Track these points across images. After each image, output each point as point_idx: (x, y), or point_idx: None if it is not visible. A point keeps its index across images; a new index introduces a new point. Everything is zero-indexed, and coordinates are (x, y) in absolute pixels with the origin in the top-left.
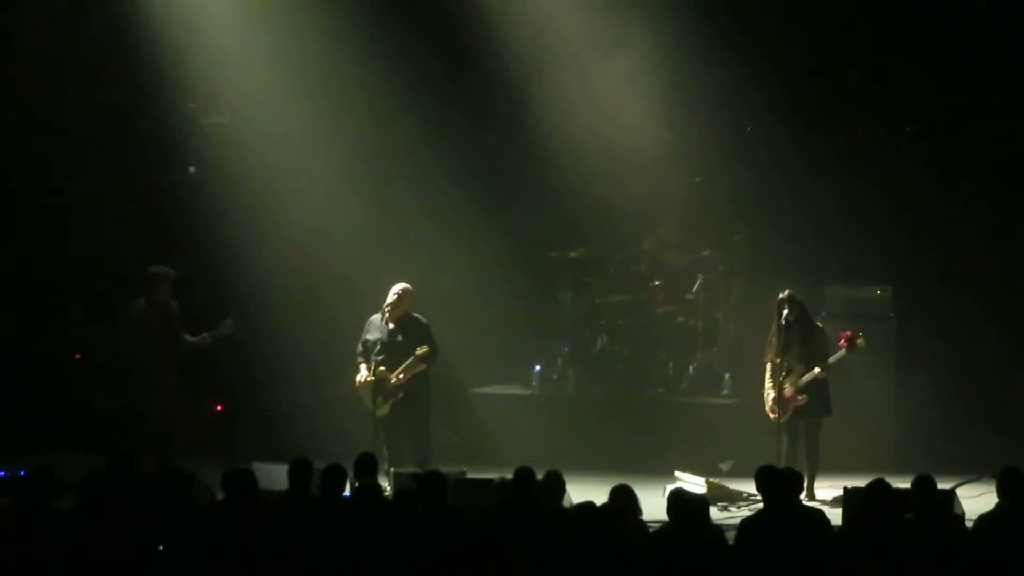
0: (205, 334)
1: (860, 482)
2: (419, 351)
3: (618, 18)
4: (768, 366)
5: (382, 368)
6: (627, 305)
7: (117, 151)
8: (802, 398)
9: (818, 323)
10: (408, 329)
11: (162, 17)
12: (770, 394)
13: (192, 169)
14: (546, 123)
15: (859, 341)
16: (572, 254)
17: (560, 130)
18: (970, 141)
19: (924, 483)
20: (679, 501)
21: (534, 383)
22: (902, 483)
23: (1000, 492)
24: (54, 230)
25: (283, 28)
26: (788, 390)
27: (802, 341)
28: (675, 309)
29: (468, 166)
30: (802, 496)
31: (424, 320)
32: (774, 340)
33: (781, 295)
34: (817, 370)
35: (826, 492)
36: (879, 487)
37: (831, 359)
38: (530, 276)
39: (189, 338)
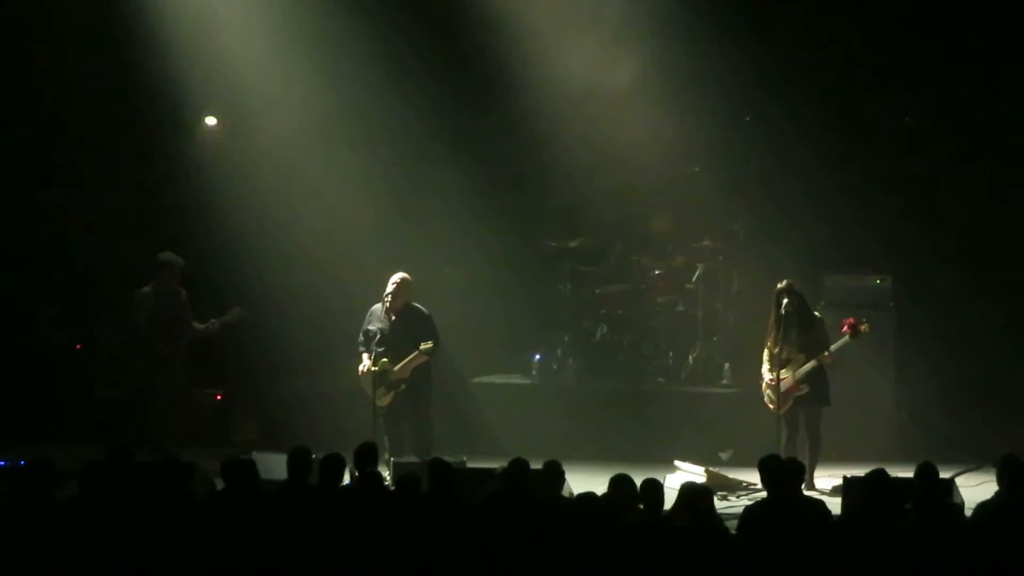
0: (213, 320)
1: (860, 471)
2: (423, 346)
3: (619, 7)
4: (765, 354)
5: (385, 360)
6: (627, 295)
7: (123, 142)
8: (803, 388)
9: (816, 312)
10: (409, 320)
11: (172, 13)
12: (768, 384)
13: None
14: (546, 112)
15: (863, 327)
16: (572, 244)
17: (560, 120)
18: (972, 129)
19: (926, 471)
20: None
21: (534, 373)
22: (902, 472)
23: (1000, 480)
24: (57, 220)
25: (288, 23)
26: (788, 380)
27: (801, 331)
28: (675, 299)
29: (468, 155)
30: (801, 486)
31: (425, 311)
32: (773, 330)
33: (780, 285)
34: (825, 353)
35: (825, 482)
36: (879, 477)
37: (833, 346)
38: (530, 266)
39: (197, 325)
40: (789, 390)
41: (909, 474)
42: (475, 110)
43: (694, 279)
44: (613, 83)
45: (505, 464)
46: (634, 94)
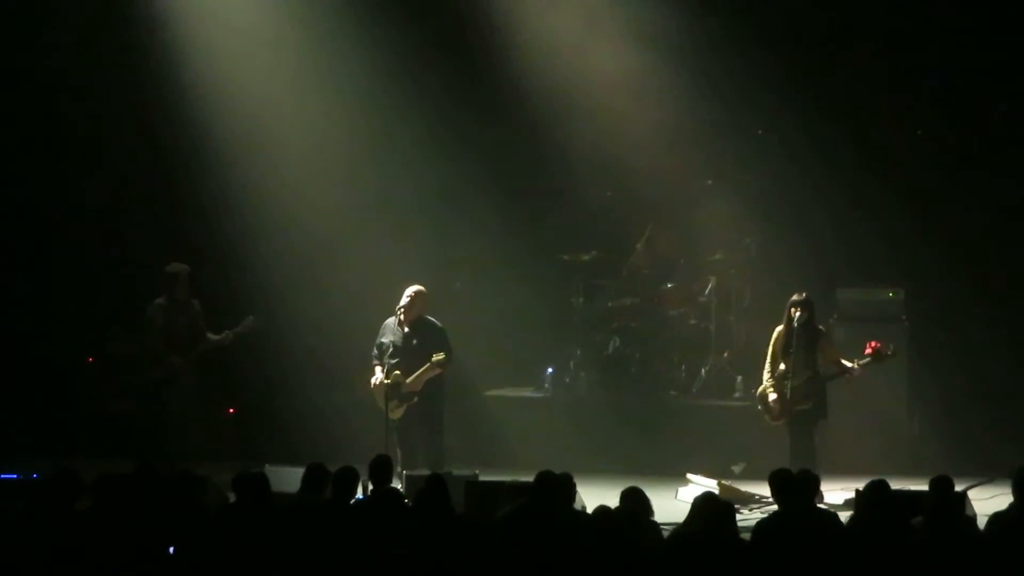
0: (228, 332)
1: None
2: (435, 358)
3: (630, 19)
4: (767, 365)
5: (397, 372)
6: (639, 308)
7: (135, 151)
8: (806, 403)
9: (820, 327)
10: (423, 333)
11: (183, 21)
12: (770, 395)
13: None
14: (559, 127)
15: (888, 352)
16: (584, 257)
17: (572, 134)
18: (986, 142)
19: (941, 483)
20: (707, 506)
21: (546, 386)
22: (914, 486)
23: (1016, 491)
24: (70, 231)
25: (294, 32)
26: (791, 393)
27: (806, 345)
28: (687, 312)
29: (481, 169)
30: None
31: (439, 324)
32: (782, 340)
33: (796, 297)
34: (860, 361)
35: (838, 495)
36: (877, 488)
37: (859, 363)
38: (542, 279)
39: (212, 336)
40: (791, 403)
41: (922, 487)
42: (488, 123)
43: (707, 292)
44: (626, 95)
45: (518, 477)
46: (647, 107)
